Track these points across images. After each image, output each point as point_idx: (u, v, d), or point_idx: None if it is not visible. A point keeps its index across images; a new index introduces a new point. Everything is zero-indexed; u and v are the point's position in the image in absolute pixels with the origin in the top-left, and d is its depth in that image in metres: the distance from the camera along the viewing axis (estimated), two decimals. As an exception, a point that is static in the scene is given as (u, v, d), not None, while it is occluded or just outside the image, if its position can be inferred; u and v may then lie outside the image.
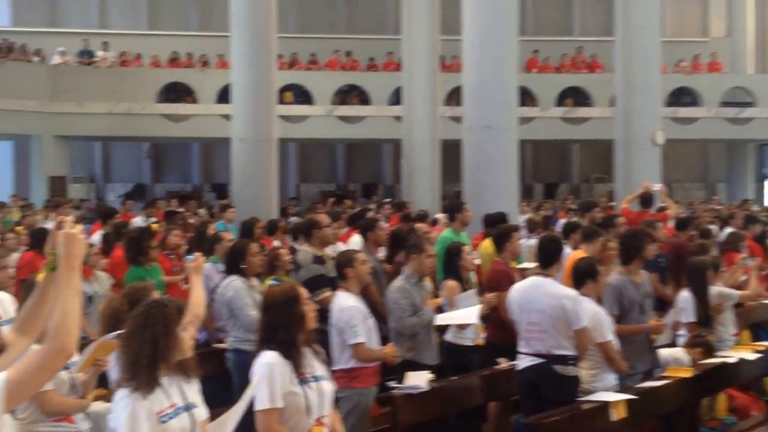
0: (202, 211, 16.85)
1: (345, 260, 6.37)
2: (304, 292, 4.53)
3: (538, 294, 6.34)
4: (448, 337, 7.32)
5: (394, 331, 6.89)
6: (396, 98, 23.30)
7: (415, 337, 6.85)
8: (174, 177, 29.84)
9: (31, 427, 4.08)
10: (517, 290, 6.59)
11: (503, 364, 7.07)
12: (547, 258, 6.49)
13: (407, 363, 6.72)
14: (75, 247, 3.08)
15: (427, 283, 7.53)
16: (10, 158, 27.77)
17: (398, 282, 6.98)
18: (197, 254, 5.59)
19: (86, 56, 25.11)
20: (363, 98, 25.21)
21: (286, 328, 4.35)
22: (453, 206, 9.81)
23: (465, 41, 12.56)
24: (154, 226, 11.25)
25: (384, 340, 6.51)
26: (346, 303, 6.11)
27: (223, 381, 6.85)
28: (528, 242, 10.23)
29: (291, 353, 4.33)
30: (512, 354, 6.66)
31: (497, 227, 8.75)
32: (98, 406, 4.66)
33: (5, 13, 27.90)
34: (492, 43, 12.13)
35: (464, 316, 6.96)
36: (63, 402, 4.37)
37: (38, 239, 8.58)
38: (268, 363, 4.32)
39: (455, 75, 24.38)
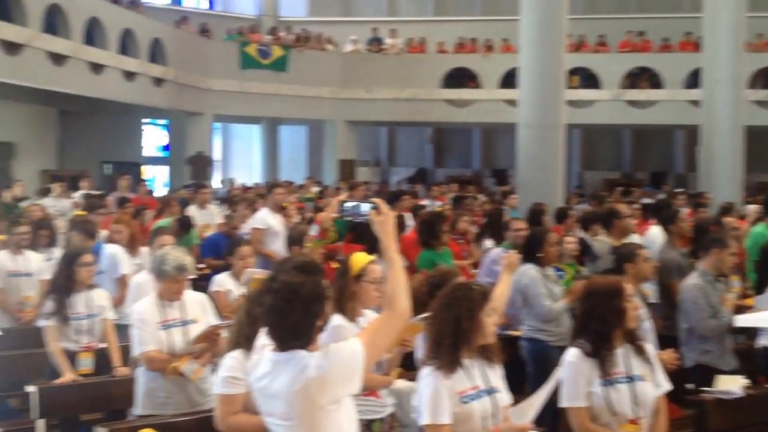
0: (482, 197, 16.80)
1: (626, 254, 5.99)
2: (629, 288, 4.31)
3: None
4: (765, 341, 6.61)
5: (686, 331, 6.34)
6: (692, 81, 21.95)
7: (710, 340, 6.26)
8: (455, 162, 30.18)
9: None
10: None
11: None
12: None
13: (701, 368, 6.16)
14: (390, 225, 3.33)
15: (735, 281, 6.88)
16: (304, 142, 29.42)
17: (693, 279, 6.41)
18: (512, 252, 5.59)
19: (375, 44, 25.93)
20: (654, 81, 23.99)
21: (602, 320, 4.16)
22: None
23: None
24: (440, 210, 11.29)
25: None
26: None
27: (515, 368, 6.65)
28: None
29: (600, 348, 4.13)
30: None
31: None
32: (401, 384, 4.77)
33: (303, 5, 29.53)
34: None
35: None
36: (370, 378, 4.46)
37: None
38: (570, 361, 4.20)
39: (761, 55, 22.73)
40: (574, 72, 22.79)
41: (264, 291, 3.22)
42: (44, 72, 17.20)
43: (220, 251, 8.10)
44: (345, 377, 3.15)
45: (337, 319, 4.49)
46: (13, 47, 16.10)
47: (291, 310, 3.13)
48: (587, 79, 24.08)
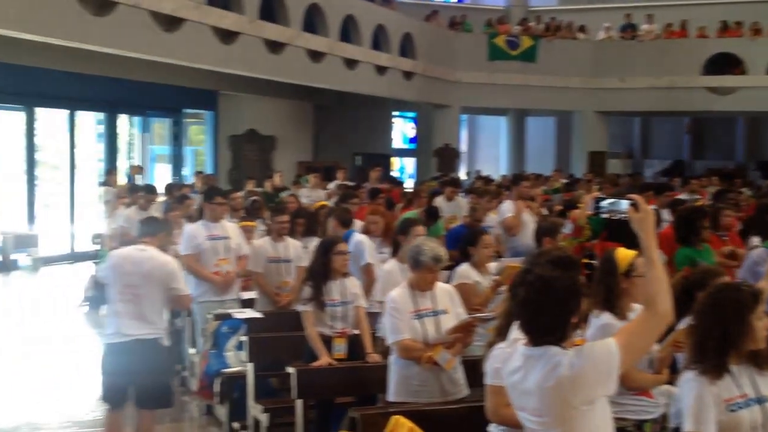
0: (747, 191, 15.71)
1: None
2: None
3: None
4: None
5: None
6: None
7: None
8: (715, 154, 28.50)
9: (616, 399, 4.03)
10: None
11: None
12: None
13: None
14: (650, 223, 3.16)
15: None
16: (552, 133, 28.95)
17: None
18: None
19: (629, 30, 24.99)
20: None
21: (724, 338, 3.54)
22: None
23: None
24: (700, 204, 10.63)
25: None
26: None
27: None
28: None
29: (722, 369, 3.55)
30: None
31: None
32: (665, 388, 4.53)
33: (553, -6, 29.03)
34: None
35: None
36: (642, 377, 4.34)
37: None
38: (690, 382, 3.57)
39: None
40: None
41: (518, 283, 3.15)
42: (303, 68, 18.07)
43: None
44: (599, 378, 3.01)
45: (606, 317, 4.34)
46: (276, 46, 17.04)
47: (544, 304, 3.04)
48: None
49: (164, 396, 6.10)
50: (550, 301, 3.04)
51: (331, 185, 15.59)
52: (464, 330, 5.09)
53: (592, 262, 7.05)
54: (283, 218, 8.07)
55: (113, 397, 6.00)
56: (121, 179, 16.59)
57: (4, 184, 17.03)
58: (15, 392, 8.34)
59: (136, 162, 19.45)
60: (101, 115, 18.89)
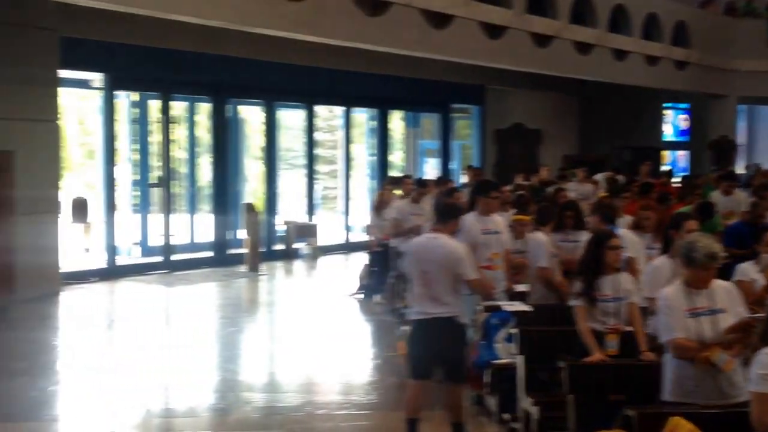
0: None
1: None
2: None
3: None
4: None
5: None
6: None
7: None
8: None
9: None
10: None
11: None
12: None
13: None
14: None
15: None
16: None
17: None
18: None
19: None
20: None
21: None
22: None
23: None
24: None
25: None
26: None
27: None
28: None
29: None
30: None
31: None
32: None
33: None
34: None
35: None
36: None
37: None
38: None
39: None
40: None
41: None
42: (571, 61, 17.87)
43: (743, 240, 7.69)
44: None
45: None
46: (543, 39, 16.98)
47: None
48: None
49: (463, 370, 6.49)
50: None
51: (599, 177, 15.31)
52: (742, 330, 4.85)
53: None
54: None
55: (416, 368, 6.44)
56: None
57: (287, 177, 18.32)
58: (298, 373, 8.96)
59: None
60: (373, 111, 19.74)
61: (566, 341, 6.29)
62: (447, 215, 6.59)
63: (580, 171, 15.70)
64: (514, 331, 6.83)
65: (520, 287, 8.16)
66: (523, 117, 22.12)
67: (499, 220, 8.20)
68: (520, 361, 6.55)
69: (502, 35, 16.06)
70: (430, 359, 6.39)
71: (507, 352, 6.97)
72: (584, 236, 7.68)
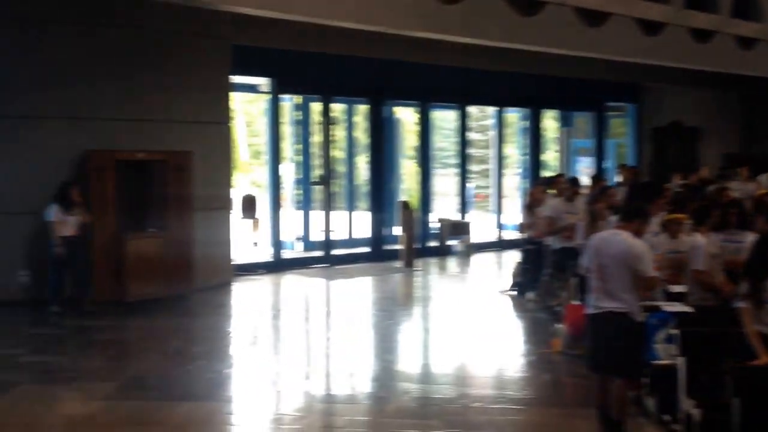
0: None
1: None
2: None
3: None
4: None
5: None
6: None
7: None
8: None
9: None
10: None
11: None
12: None
13: None
14: None
15: None
16: None
17: None
18: None
19: None
20: None
21: None
22: None
23: None
24: None
25: None
26: None
27: None
28: None
29: None
30: None
31: None
32: None
33: None
34: None
35: None
36: None
37: None
38: None
39: None
40: None
41: None
42: (733, 56, 17.30)
43: None
44: None
45: None
46: (702, 35, 16.53)
47: None
48: None
49: (631, 366, 6.52)
50: None
51: (763, 177, 14.81)
52: None
53: None
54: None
55: (591, 360, 6.61)
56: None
57: (441, 176, 18.63)
58: (453, 366, 9.18)
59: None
60: (526, 111, 19.74)
61: (729, 343, 6.24)
62: (632, 214, 6.70)
63: (744, 170, 15.23)
64: (674, 332, 6.80)
65: (678, 288, 8.09)
66: (681, 114, 21.55)
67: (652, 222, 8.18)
68: (681, 362, 6.52)
69: (660, 32, 15.75)
70: (602, 353, 6.48)
71: (666, 353, 6.95)
72: (749, 237, 7.56)
